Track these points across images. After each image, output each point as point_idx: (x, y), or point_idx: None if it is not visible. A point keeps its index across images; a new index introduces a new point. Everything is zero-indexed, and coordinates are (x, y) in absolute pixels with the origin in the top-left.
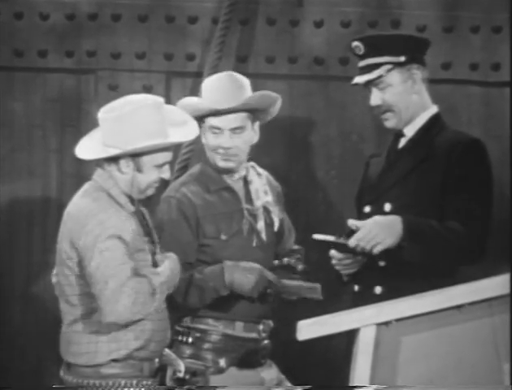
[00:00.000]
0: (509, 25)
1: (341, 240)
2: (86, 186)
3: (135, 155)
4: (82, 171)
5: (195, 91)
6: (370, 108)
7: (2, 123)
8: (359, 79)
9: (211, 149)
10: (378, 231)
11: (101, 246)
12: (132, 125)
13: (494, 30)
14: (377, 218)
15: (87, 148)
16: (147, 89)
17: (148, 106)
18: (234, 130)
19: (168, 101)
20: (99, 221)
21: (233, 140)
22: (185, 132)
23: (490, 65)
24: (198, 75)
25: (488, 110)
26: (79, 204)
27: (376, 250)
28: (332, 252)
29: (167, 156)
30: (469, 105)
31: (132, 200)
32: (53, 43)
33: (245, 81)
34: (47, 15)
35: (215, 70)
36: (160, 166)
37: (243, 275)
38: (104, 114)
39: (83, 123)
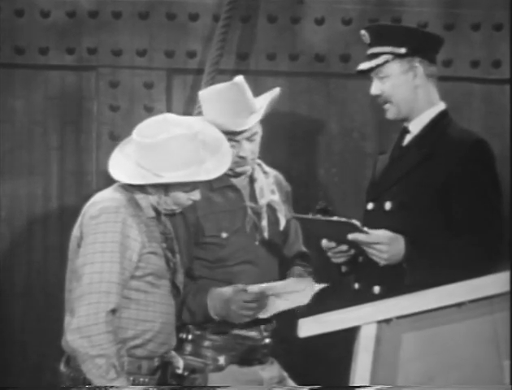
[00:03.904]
0: (510, 22)
1: (319, 217)
2: (116, 184)
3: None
4: (83, 169)
5: (196, 88)
6: (371, 103)
7: (2, 121)
8: (361, 66)
9: None
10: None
11: (99, 236)
12: (164, 156)
13: (495, 27)
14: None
15: (122, 167)
16: (148, 86)
17: (182, 137)
18: (250, 138)
19: (169, 98)
20: (104, 207)
21: (249, 146)
22: (217, 163)
23: (491, 62)
24: (199, 73)
25: (489, 107)
26: (100, 195)
27: (378, 260)
28: (324, 242)
29: (196, 184)
30: (469, 102)
31: (155, 207)
32: (53, 40)
33: (245, 85)
34: (48, 12)
35: (216, 67)
36: (189, 191)
37: (225, 307)
38: (138, 137)
39: (84, 121)
